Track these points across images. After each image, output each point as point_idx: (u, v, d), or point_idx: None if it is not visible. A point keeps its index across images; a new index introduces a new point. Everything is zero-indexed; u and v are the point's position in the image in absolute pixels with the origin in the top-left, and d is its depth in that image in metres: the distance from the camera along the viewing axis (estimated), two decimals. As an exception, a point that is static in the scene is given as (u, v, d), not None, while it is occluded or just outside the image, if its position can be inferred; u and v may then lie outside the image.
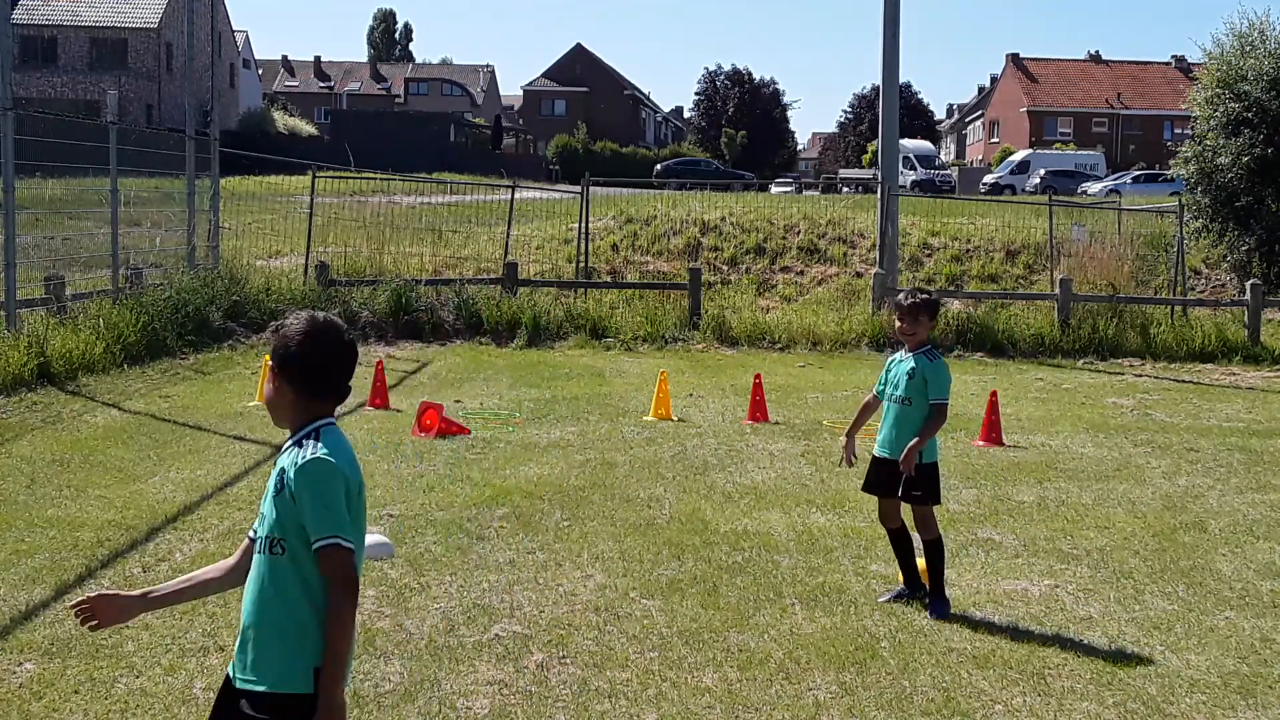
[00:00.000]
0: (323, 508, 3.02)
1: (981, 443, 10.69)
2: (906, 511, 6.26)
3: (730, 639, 5.62)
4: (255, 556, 3.14)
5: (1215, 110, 22.59)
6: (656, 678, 5.14)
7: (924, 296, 6.25)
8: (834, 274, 24.01)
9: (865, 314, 18.69)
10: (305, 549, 3.02)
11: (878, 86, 23.06)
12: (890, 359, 6.43)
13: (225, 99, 68.16)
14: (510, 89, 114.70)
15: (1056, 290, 18.80)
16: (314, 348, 3.14)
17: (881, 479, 6.28)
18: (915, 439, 6.06)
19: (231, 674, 3.10)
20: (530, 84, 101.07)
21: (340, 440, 3.14)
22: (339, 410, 3.25)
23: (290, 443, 3.14)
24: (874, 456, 6.37)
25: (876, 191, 21.53)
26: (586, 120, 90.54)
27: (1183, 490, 9.06)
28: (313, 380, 3.16)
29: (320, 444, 3.10)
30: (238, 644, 3.07)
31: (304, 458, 3.06)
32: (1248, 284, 19.01)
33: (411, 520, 7.56)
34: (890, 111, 20.37)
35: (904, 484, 6.13)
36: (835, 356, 17.27)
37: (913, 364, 6.17)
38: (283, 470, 3.09)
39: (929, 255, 25.08)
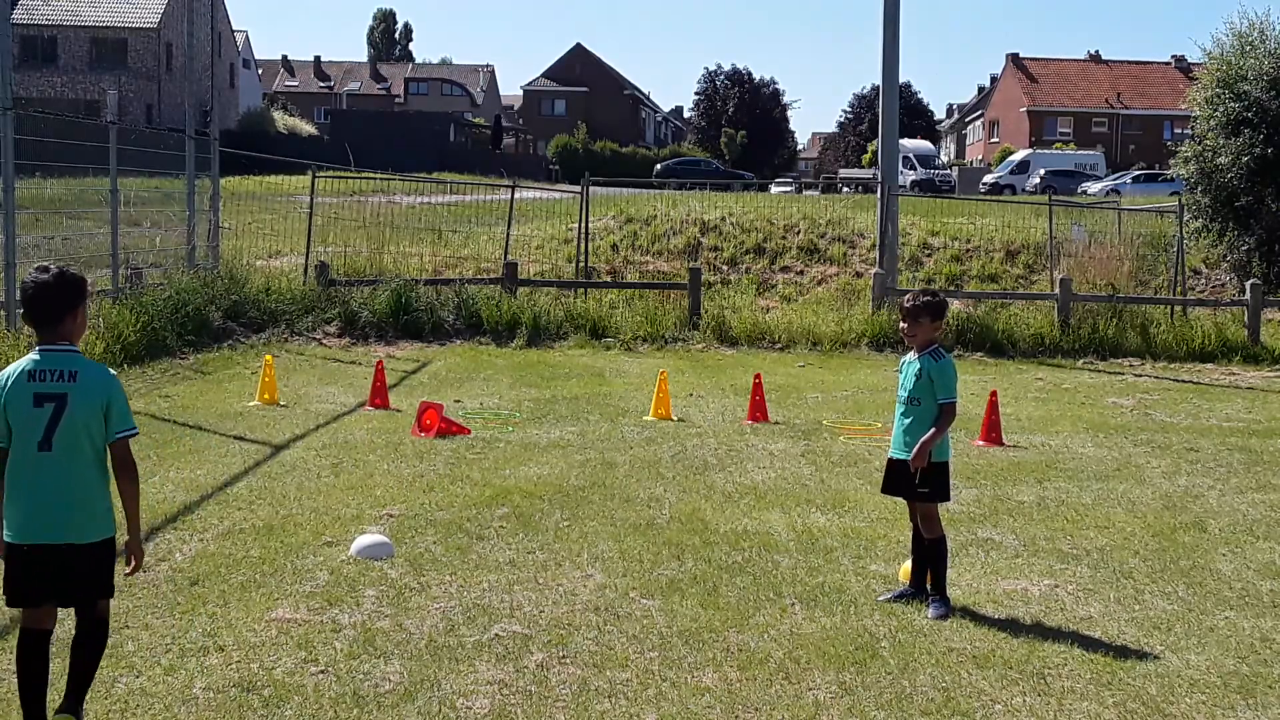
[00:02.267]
0: None
1: (981, 443, 10.70)
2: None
3: (730, 639, 5.62)
4: None
5: (1215, 110, 22.60)
6: (656, 678, 5.14)
7: (925, 299, 6.29)
8: (834, 274, 24.02)
9: (865, 314, 18.69)
10: None
11: (878, 86, 23.06)
12: (902, 360, 6.48)
13: (225, 99, 68.16)
14: (510, 89, 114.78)
15: (1056, 290, 18.80)
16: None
17: (898, 479, 6.31)
18: (926, 435, 6.10)
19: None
20: (530, 84, 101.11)
21: (13, 364, 4.33)
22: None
23: None
24: (889, 459, 6.40)
25: (876, 191, 21.53)
26: (586, 120, 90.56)
27: (1183, 490, 9.07)
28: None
29: None
30: None
31: None
32: (1248, 284, 19.02)
33: (411, 520, 7.56)
34: (890, 111, 20.37)
35: (914, 480, 6.17)
36: (835, 356, 17.27)
37: (919, 364, 6.22)
38: None
39: (929, 255, 25.09)
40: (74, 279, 4.40)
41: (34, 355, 4.28)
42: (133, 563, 4.44)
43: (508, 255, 20.93)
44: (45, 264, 4.37)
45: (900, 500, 6.60)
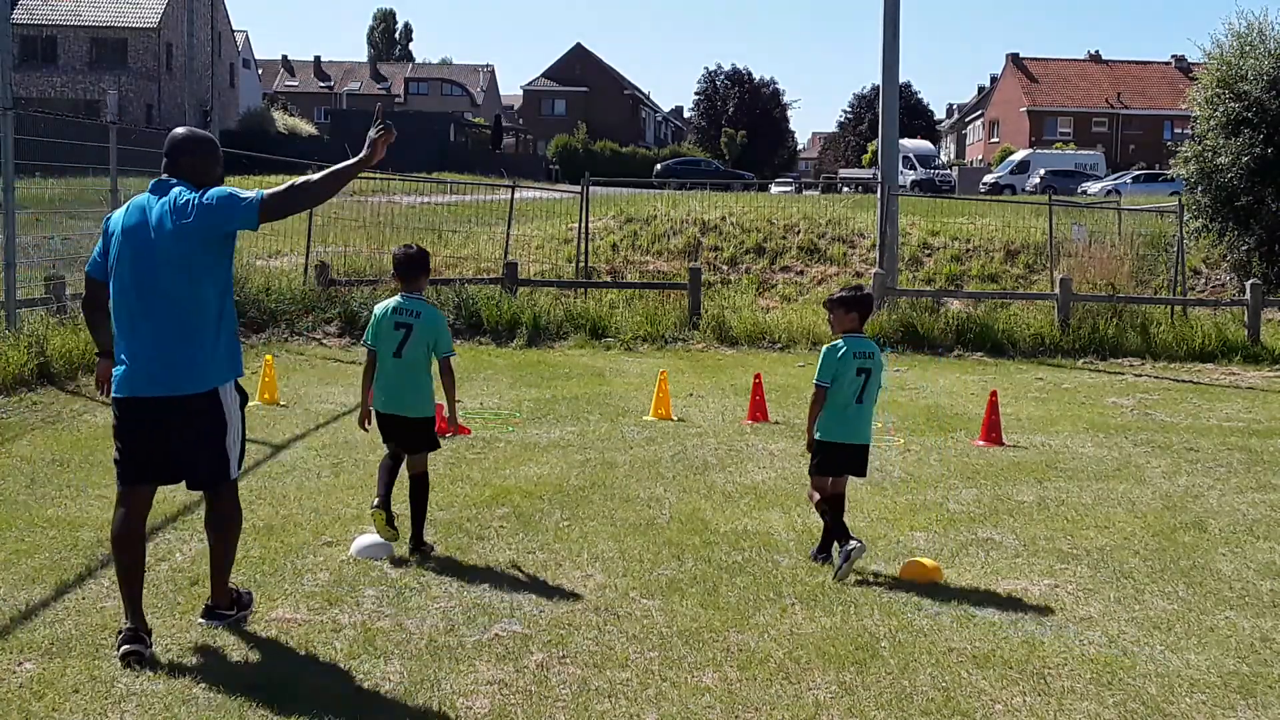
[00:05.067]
0: None
1: (981, 442, 10.70)
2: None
3: (730, 639, 5.62)
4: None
5: (1215, 110, 22.62)
6: (656, 678, 5.14)
7: (842, 293, 6.90)
8: (834, 274, 24.02)
9: (865, 314, 18.67)
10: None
11: (878, 86, 23.06)
12: None
13: (225, 99, 68.17)
14: (510, 89, 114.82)
15: (1056, 290, 18.80)
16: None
17: None
18: None
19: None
20: (530, 84, 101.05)
21: (386, 301, 6.96)
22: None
23: None
24: None
25: (876, 191, 21.54)
26: (586, 120, 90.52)
27: (1183, 490, 9.07)
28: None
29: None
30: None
31: None
32: (1248, 284, 19.02)
33: (411, 520, 7.55)
34: (890, 111, 20.37)
35: None
36: (835, 356, 17.24)
37: None
38: None
39: (929, 255, 25.09)
40: (424, 253, 6.98)
41: (398, 298, 6.86)
42: (439, 422, 7.05)
43: (508, 255, 20.93)
44: (409, 243, 7.06)
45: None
